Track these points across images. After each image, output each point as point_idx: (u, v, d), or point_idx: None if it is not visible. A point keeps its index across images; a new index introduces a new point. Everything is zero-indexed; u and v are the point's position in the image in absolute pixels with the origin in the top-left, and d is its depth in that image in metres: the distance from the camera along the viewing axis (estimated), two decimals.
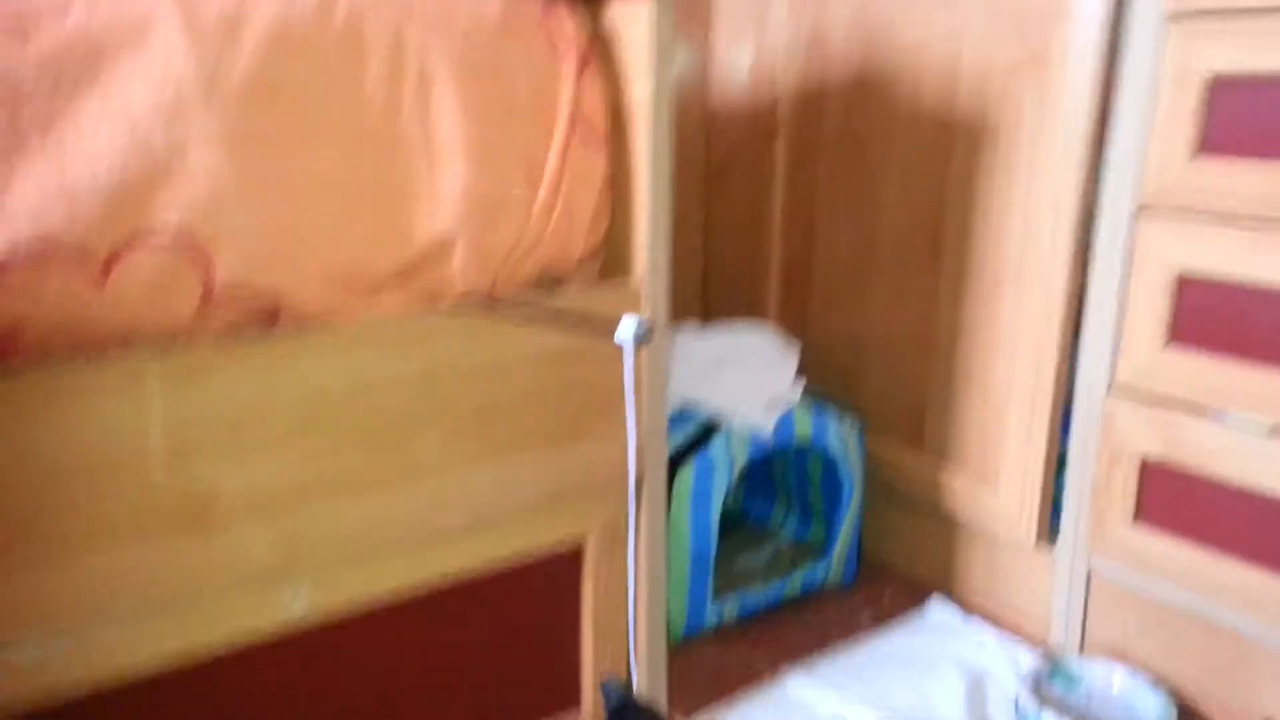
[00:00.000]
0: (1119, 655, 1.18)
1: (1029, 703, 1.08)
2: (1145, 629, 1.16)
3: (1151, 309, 1.09)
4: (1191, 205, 1.04)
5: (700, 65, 1.66)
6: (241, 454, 0.73)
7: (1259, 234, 0.99)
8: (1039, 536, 1.26)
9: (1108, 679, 1.14)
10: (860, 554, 1.48)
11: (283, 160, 0.72)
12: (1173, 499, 1.10)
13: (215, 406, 0.72)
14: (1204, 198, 1.03)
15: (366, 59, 0.76)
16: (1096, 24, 1.10)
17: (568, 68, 0.85)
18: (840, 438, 1.36)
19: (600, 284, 0.93)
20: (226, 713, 0.79)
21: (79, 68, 0.65)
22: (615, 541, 0.97)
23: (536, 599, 0.96)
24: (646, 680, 1.02)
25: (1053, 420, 1.23)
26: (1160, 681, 1.13)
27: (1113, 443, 1.14)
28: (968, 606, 1.37)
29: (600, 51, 0.90)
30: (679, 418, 1.28)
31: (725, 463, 1.25)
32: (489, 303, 0.85)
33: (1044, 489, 1.25)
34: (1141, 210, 1.08)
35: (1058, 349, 1.21)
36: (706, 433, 1.27)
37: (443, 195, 0.80)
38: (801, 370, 1.40)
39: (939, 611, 1.35)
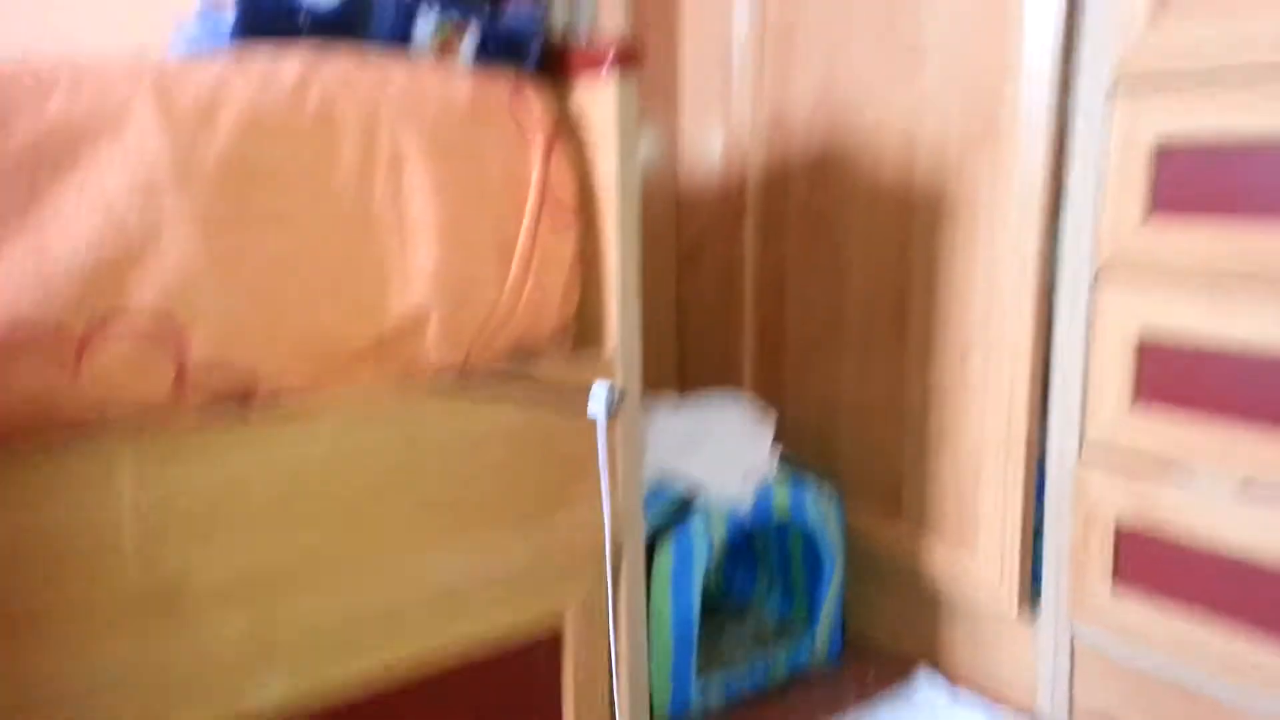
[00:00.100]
0: None
1: None
2: (1130, 696, 1.14)
3: (1115, 370, 1.10)
4: (1147, 267, 1.06)
5: (669, 146, 1.70)
6: (214, 537, 0.73)
7: (1213, 292, 1.01)
8: (1020, 603, 1.25)
9: None
10: (844, 629, 1.46)
11: (256, 240, 0.73)
12: (1148, 561, 1.10)
13: (188, 490, 0.71)
14: (1158, 259, 1.05)
15: (339, 141, 0.78)
16: (1043, 95, 1.14)
17: (536, 148, 0.88)
18: (819, 510, 1.36)
19: (572, 356, 0.94)
20: None
21: (58, 154, 0.67)
22: (594, 619, 0.96)
23: (515, 683, 0.94)
24: None
25: (1027, 484, 1.24)
26: None
27: (1087, 505, 1.14)
28: (954, 679, 1.35)
29: (568, 132, 0.93)
30: (656, 493, 1.28)
31: (704, 541, 1.24)
32: (462, 376, 0.86)
33: (1022, 554, 1.25)
34: (1099, 274, 1.11)
35: (1027, 412, 1.22)
36: (684, 510, 1.26)
37: (415, 272, 0.81)
38: (778, 438, 1.40)
39: (925, 686, 1.33)
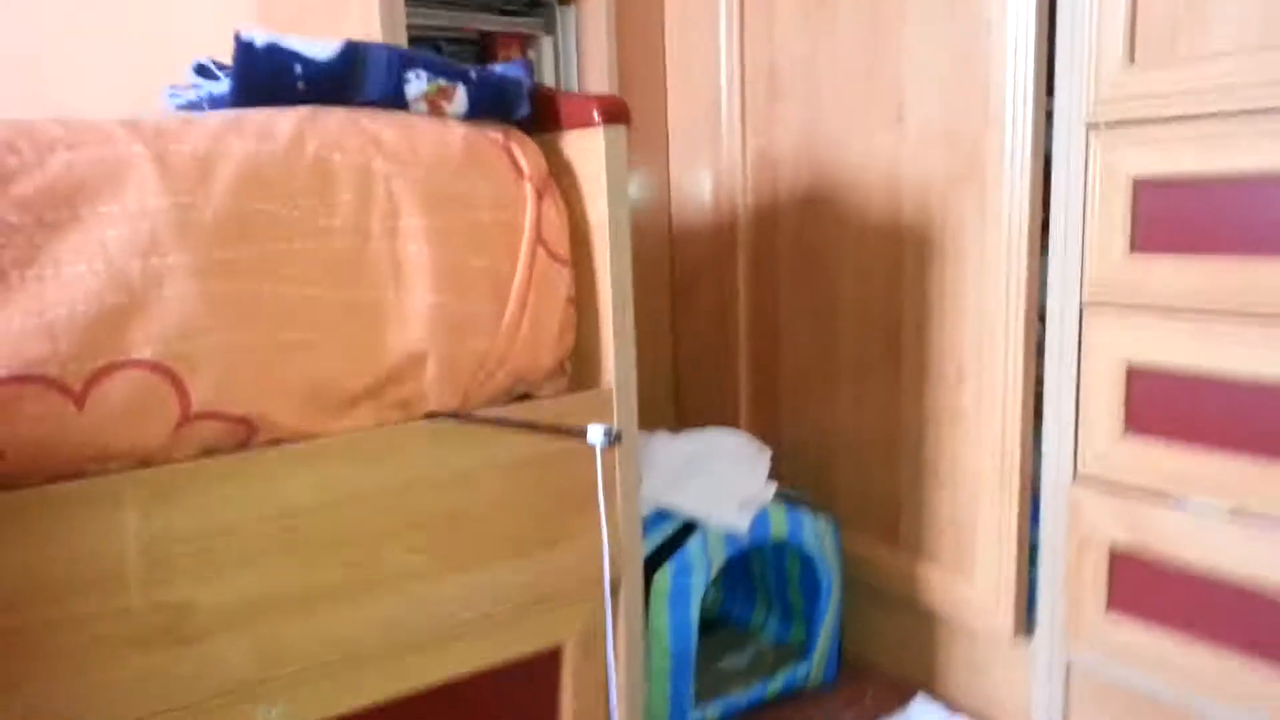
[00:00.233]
0: None
1: None
2: (1124, 719, 1.14)
3: (1106, 399, 1.10)
4: (1132, 300, 1.06)
5: (661, 184, 1.71)
6: (216, 569, 0.74)
7: (1197, 325, 1.01)
8: (1016, 628, 1.25)
9: None
10: (841, 652, 1.46)
11: (255, 289, 0.74)
12: (1143, 586, 1.10)
13: (190, 524, 0.72)
14: (1143, 292, 1.05)
15: (336, 192, 0.79)
16: (1023, 138, 1.15)
17: (529, 193, 0.89)
18: (816, 535, 1.36)
19: (569, 394, 0.95)
20: None
21: (59, 209, 0.68)
22: (593, 646, 0.96)
23: (514, 706, 0.94)
24: None
25: (1021, 510, 1.23)
26: None
27: (1081, 531, 1.14)
28: (950, 703, 1.35)
29: (560, 176, 0.94)
30: (655, 519, 1.28)
31: (703, 562, 1.24)
32: (460, 415, 0.86)
33: (1018, 579, 1.25)
34: (1087, 306, 1.11)
35: (1021, 440, 1.22)
36: (683, 533, 1.26)
37: (412, 316, 0.82)
38: (775, 473, 1.40)
39: (922, 709, 1.33)
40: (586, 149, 0.91)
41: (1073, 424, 1.14)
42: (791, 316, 1.53)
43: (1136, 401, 1.08)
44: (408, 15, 1.22)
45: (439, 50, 1.40)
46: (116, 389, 0.69)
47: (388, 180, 0.81)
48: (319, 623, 0.79)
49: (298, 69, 0.79)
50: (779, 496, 1.37)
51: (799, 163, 1.47)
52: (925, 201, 1.29)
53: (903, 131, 1.31)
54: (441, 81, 0.84)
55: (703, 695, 1.30)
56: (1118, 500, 1.10)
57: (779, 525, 1.32)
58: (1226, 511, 1.01)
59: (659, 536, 1.26)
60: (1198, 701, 1.05)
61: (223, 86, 0.83)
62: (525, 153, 0.90)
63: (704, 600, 1.25)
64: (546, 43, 1.51)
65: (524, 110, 0.91)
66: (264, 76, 0.79)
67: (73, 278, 0.67)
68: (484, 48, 1.44)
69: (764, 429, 1.59)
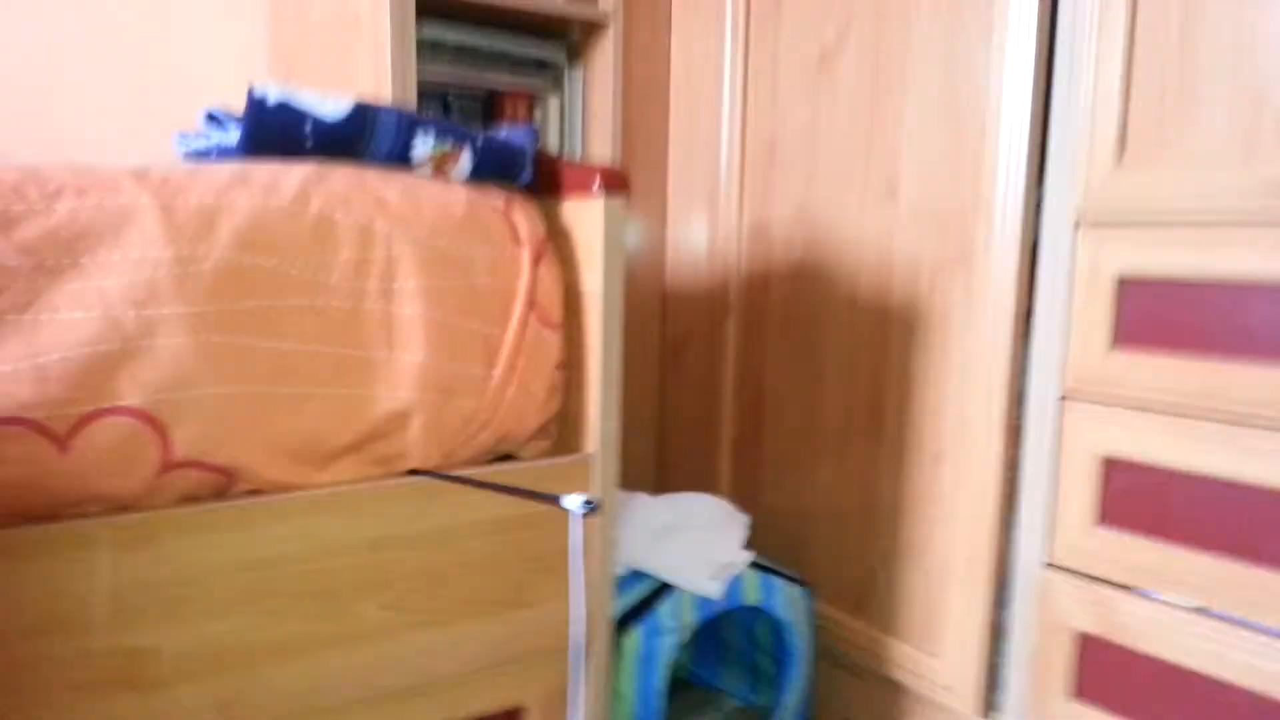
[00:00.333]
0: None
1: None
2: None
3: (1081, 490, 1.10)
4: (1111, 394, 1.07)
5: (658, 247, 1.72)
6: (184, 617, 0.73)
7: (1174, 422, 1.02)
8: (981, 709, 1.24)
9: None
10: (809, 718, 1.44)
11: (248, 343, 0.74)
12: (1109, 675, 1.09)
13: (161, 571, 0.71)
14: (1122, 387, 1.06)
15: (336, 249, 0.78)
16: (1012, 228, 1.16)
17: (526, 258, 0.89)
18: (789, 602, 1.35)
19: (551, 458, 0.94)
20: None
21: (60, 255, 0.67)
22: (556, 708, 0.95)
23: None
24: None
25: (991, 593, 1.23)
26: None
27: (1050, 617, 1.14)
28: None
29: (558, 241, 0.94)
30: (629, 579, 1.27)
31: (674, 625, 1.23)
32: (441, 473, 0.86)
33: (984, 660, 1.24)
34: (1065, 398, 1.11)
35: (994, 524, 1.21)
36: (656, 595, 1.25)
37: (402, 373, 0.82)
38: (751, 543, 1.40)
39: None
40: (585, 217, 0.92)
41: (1046, 510, 1.14)
42: (777, 385, 1.53)
43: (1110, 493, 1.09)
44: (418, 69, 1.23)
45: (447, 103, 1.40)
46: (101, 435, 0.68)
47: (388, 241, 0.81)
48: (283, 674, 0.78)
49: (307, 127, 0.79)
50: (754, 563, 1.36)
51: (794, 233, 1.48)
52: (914, 280, 1.30)
53: (895, 208, 1.32)
54: (448, 145, 0.85)
55: None
56: (1088, 589, 1.10)
57: (752, 591, 1.31)
58: (1193, 608, 1.01)
59: (632, 596, 1.24)
60: None
61: (232, 137, 0.83)
62: (525, 219, 0.90)
63: (674, 661, 1.23)
64: (553, 101, 1.52)
65: (526, 177, 0.92)
66: (273, 132, 0.79)
67: (68, 323, 0.67)
68: (492, 103, 1.45)
69: (744, 494, 1.59)
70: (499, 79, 1.45)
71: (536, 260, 0.89)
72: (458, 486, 0.85)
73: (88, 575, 0.68)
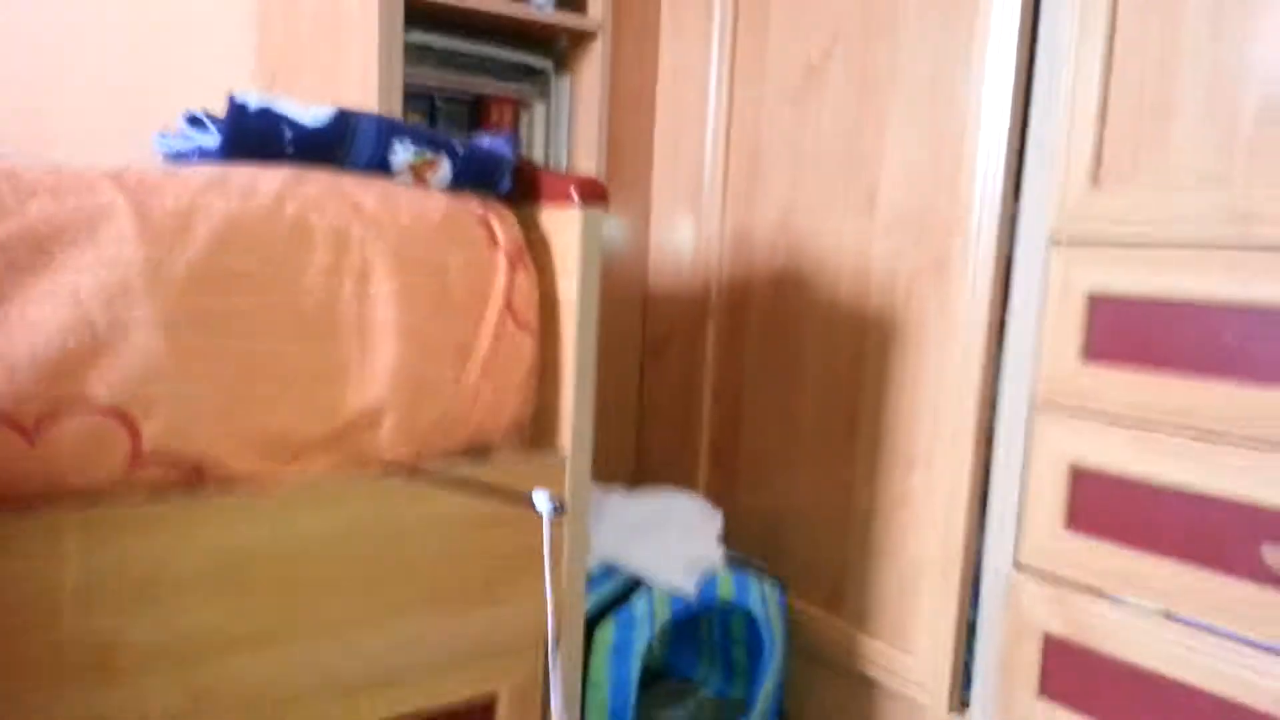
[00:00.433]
0: None
1: None
2: None
3: (1050, 496, 1.10)
4: (1080, 406, 1.07)
5: (641, 249, 1.72)
6: (151, 607, 0.72)
7: (1141, 434, 1.02)
8: (951, 704, 1.25)
9: None
10: (781, 712, 1.44)
11: (220, 342, 0.73)
12: (1075, 675, 1.09)
13: (129, 562, 0.71)
14: (1091, 399, 1.06)
15: (311, 251, 0.78)
16: (988, 242, 1.16)
17: (502, 263, 0.88)
18: (762, 599, 1.35)
19: (524, 456, 0.94)
20: None
21: (34, 254, 0.67)
22: (528, 699, 0.94)
23: None
24: None
25: (962, 594, 1.23)
26: None
27: (1018, 618, 1.14)
28: None
29: (536, 248, 0.94)
30: (603, 574, 1.27)
31: (647, 619, 1.23)
32: (412, 470, 0.85)
33: (955, 658, 1.24)
34: (1036, 408, 1.11)
35: (965, 527, 1.22)
36: (630, 589, 1.25)
37: (374, 373, 0.81)
38: (727, 540, 1.40)
39: None
40: (563, 225, 0.91)
41: (1015, 515, 1.14)
42: (756, 387, 1.53)
43: (1078, 500, 1.09)
44: (405, 73, 1.22)
45: (433, 106, 1.40)
46: (69, 429, 0.68)
47: (363, 244, 0.80)
48: (252, 664, 0.78)
49: (287, 133, 0.78)
50: (728, 559, 1.36)
51: (775, 239, 1.48)
52: (891, 289, 1.30)
53: (874, 219, 1.32)
54: (427, 153, 0.84)
55: None
56: (1055, 591, 1.10)
57: (726, 587, 1.31)
58: (1158, 611, 1.01)
59: (606, 591, 1.24)
60: None
61: (212, 140, 0.83)
62: (502, 224, 0.90)
63: (648, 652, 1.23)
64: (540, 108, 1.51)
65: (506, 186, 0.91)
66: (253, 137, 0.78)
67: (38, 320, 0.66)
68: (478, 109, 1.44)
69: (720, 491, 1.59)
70: (486, 85, 1.44)
71: (513, 264, 0.89)
72: (429, 482, 0.85)
73: (57, 567, 0.68)
